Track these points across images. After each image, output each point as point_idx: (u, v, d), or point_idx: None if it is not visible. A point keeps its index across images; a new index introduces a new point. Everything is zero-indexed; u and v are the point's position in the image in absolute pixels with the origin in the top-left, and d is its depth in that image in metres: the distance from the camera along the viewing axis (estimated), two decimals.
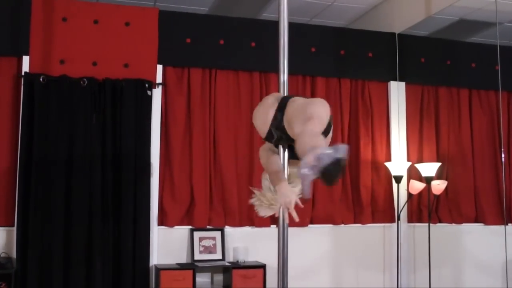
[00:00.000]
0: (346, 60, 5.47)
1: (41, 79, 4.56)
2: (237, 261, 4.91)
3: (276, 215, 2.64)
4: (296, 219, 2.35)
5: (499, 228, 5.33)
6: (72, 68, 4.67)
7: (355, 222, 5.44)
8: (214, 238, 4.92)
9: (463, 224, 5.69)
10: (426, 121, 5.71)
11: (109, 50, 4.80)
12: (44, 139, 4.51)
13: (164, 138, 4.96)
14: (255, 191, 2.62)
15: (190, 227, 4.95)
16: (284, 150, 2.64)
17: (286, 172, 2.63)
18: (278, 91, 2.75)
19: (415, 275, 5.48)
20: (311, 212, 5.29)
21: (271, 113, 2.46)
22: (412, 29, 5.52)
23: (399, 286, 5.29)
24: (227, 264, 4.82)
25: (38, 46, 4.59)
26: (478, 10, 5.09)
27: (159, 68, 4.93)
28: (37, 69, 4.57)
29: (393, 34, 5.64)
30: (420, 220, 5.58)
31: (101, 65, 4.75)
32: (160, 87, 4.90)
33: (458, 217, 5.69)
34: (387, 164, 5.44)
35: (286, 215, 2.47)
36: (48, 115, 4.56)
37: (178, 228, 4.93)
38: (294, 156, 2.43)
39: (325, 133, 2.41)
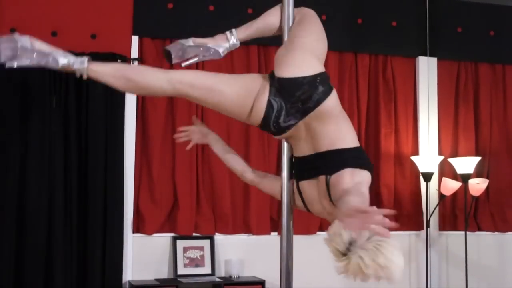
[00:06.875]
0: (364, 31, 5.48)
1: None
2: (230, 277, 4.94)
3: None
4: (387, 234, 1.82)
5: None
6: None
7: None
8: (201, 248, 4.97)
9: (508, 232, 5.73)
10: (462, 105, 5.72)
11: (72, 17, 4.78)
12: None
13: (140, 125, 4.99)
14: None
15: (172, 234, 4.98)
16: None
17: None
18: None
19: None
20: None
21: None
22: None
23: None
24: (217, 280, 4.83)
25: None
26: None
27: (135, 39, 4.95)
28: None
29: None
30: (454, 227, 5.61)
31: (62, 35, 4.73)
32: (136, 63, 4.92)
33: (502, 224, 5.71)
34: (413, 158, 5.43)
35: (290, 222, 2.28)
36: None
37: (157, 236, 4.96)
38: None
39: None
